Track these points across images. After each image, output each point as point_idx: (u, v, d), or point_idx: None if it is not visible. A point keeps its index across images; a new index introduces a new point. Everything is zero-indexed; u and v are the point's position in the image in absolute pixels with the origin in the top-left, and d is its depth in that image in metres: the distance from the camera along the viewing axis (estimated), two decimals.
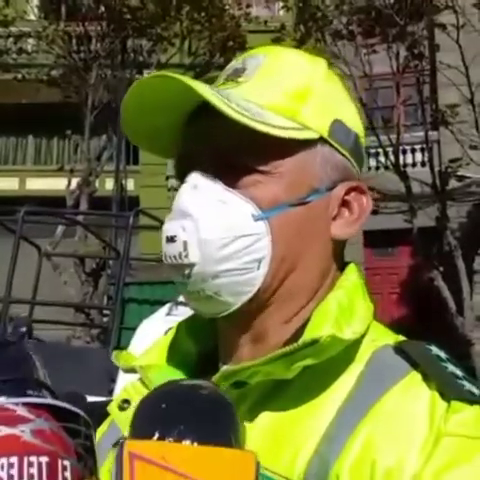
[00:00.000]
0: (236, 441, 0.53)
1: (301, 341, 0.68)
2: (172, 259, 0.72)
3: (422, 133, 11.78)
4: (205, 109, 0.71)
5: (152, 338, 0.82)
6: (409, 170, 12.05)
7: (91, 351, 8.11)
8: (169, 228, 0.72)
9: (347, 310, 0.73)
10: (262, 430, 0.69)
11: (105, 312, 9.26)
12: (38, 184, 15.15)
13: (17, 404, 0.50)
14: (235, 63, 0.80)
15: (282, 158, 0.73)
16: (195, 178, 0.72)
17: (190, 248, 0.70)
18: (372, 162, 12.79)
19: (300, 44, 11.57)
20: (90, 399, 4.30)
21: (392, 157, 11.14)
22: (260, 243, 0.71)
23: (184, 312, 0.79)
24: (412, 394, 0.68)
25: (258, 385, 0.70)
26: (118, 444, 0.50)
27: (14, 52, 13.37)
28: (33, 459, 0.48)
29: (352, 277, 0.77)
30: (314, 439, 0.67)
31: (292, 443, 0.67)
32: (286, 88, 0.76)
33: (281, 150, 0.73)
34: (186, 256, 0.70)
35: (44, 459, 0.48)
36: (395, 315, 11.61)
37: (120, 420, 0.75)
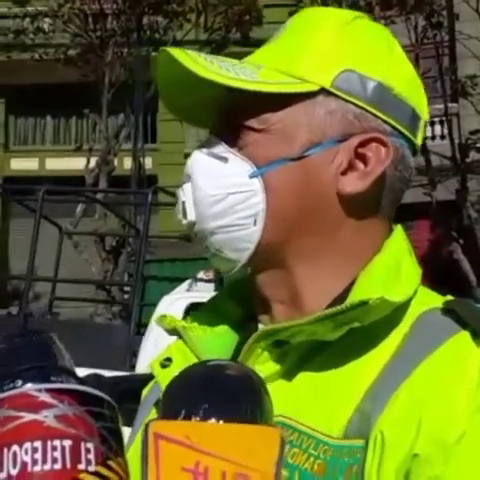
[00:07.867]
0: (262, 418, 0.53)
1: (349, 302, 0.67)
2: (181, 220, 0.75)
3: (442, 105, 11.63)
4: None
5: (173, 314, 0.83)
6: (429, 143, 11.91)
7: (113, 327, 8.19)
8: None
9: (394, 272, 0.71)
10: (302, 388, 0.69)
11: (126, 289, 9.33)
12: (57, 164, 15.22)
13: (40, 390, 0.50)
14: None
15: (278, 114, 0.72)
16: (203, 142, 0.75)
17: (187, 207, 0.74)
18: None
19: None
20: (111, 374, 4.37)
21: None
22: (254, 199, 0.72)
23: (204, 288, 0.82)
24: (461, 353, 0.66)
25: (300, 345, 0.70)
26: (145, 426, 0.52)
27: (31, 32, 13.37)
28: (56, 443, 0.49)
29: (399, 239, 0.75)
30: (355, 398, 0.66)
31: (332, 401, 0.67)
32: (292, 45, 0.75)
33: (276, 106, 0.72)
34: (185, 216, 0.74)
35: (67, 443, 0.49)
36: None
37: (162, 377, 0.75)
